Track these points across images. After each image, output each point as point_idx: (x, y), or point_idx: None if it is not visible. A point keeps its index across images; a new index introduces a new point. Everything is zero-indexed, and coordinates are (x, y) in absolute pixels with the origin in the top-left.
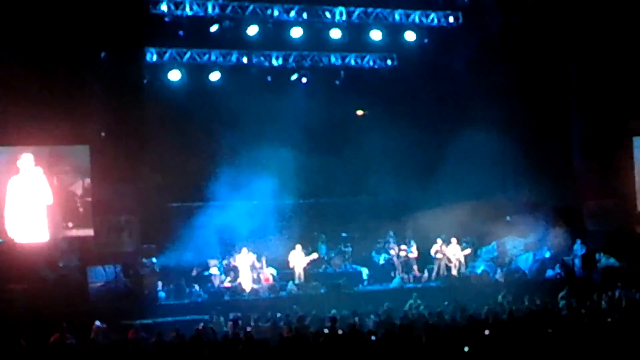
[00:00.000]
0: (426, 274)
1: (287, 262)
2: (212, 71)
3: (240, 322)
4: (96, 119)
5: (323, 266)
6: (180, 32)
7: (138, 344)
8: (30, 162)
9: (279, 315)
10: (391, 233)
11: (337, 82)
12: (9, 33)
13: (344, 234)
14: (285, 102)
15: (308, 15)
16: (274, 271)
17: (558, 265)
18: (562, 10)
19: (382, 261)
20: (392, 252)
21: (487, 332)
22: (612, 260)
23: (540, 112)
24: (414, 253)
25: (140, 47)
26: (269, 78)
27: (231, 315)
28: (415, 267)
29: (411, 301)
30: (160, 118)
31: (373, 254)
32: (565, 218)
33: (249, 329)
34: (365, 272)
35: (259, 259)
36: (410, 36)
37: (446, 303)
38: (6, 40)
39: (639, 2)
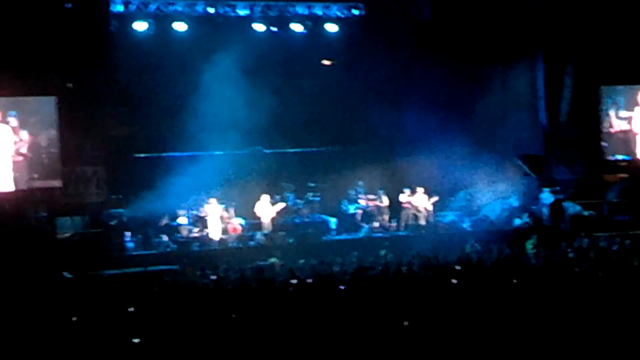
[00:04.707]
0: (394, 223)
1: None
2: (178, 21)
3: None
4: (62, 70)
5: (291, 216)
6: None
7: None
8: None
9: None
10: (360, 183)
11: (305, 32)
12: None
13: (311, 184)
14: (252, 53)
15: None
16: (242, 221)
17: (526, 214)
18: None
19: (352, 211)
20: (361, 202)
21: (454, 281)
22: (579, 209)
23: (510, 59)
24: (384, 202)
25: None
26: (235, 28)
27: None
28: (385, 217)
29: (383, 251)
30: (127, 69)
31: (344, 203)
32: (533, 166)
33: (214, 277)
34: (333, 221)
35: (227, 209)
36: None
37: (414, 252)
38: None
39: None
